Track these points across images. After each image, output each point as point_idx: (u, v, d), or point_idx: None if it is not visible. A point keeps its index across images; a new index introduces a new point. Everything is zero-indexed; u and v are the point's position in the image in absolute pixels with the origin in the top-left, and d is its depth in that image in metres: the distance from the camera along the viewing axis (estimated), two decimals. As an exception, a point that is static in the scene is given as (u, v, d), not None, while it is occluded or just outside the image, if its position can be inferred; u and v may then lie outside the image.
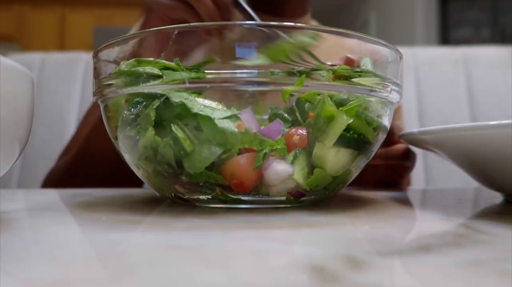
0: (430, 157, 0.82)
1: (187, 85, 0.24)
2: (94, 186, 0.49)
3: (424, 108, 0.86)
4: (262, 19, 0.64)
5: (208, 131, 0.23)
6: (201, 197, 0.26)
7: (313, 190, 0.26)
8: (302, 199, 0.26)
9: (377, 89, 0.26)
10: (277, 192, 0.25)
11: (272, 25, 0.24)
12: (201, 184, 0.25)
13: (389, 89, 0.27)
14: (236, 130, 0.23)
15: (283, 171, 0.24)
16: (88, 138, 0.53)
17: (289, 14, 0.64)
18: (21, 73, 0.21)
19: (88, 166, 0.53)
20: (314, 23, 0.69)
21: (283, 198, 0.25)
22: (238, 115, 0.24)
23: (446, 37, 2.90)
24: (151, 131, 0.24)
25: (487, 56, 0.90)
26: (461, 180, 0.63)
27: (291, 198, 0.26)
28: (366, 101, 0.26)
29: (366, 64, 0.25)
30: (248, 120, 0.24)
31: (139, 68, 0.25)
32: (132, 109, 0.25)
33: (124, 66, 0.25)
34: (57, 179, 0.56)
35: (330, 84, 0.25)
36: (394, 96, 0.28)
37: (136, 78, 0.25)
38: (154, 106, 0.24)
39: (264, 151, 0.24)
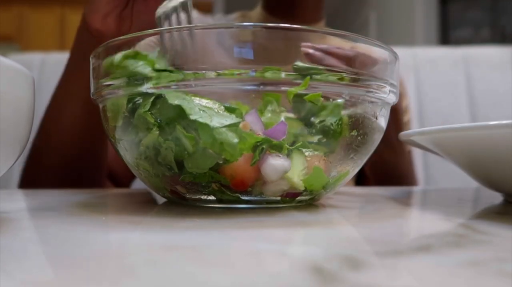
0: (430, 157, 0.82)
1: (192, 85, 0.24)
2: (53, 182, 0.48)
3: (424, 108, 0.86)
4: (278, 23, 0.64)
5: (206, 139, 0.23)
6: (203, 197, 0.26)
7: (309, 190, 0.26)
8: (301, 199, 0.26)
9: (377, 91, 0.26)
10: (272, 192, 0.25)
11: (271, 27, 0.24)
12: (203, 184, 0.25)
13: (387, 90, 0.27)
14: (235, 140, 0.23)
15: (280, 166, 0.24)
16: (40, 129, 0.51)
17: (303, 20, 0.64)
18: (21, 73, 0.21)
19: (43, 161, 0.50)
20: None
21: (278, 198, 0.25)
22: (244, 117, 0.24)
23: (446, 37, 2.90)
24: (155, 131, 0.24)
25: (487, 56, 0.90)
26: (461, 180, 0.63)
27: (286, 199, 0.26)
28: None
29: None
30: (253, 122, 0.24)
31: (131, 61, 0.24)
32: (132, 109, 0.25)
33: (117, 58, 0.25)
34: (20, 179, 0.53)
35: (331, 85, 0.25)
36: (391, 97, 0.28)
37: (134, 78, 0.25)
38: (147, 107, 0.24)
39: (261, 147, 0.24)
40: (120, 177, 0.60)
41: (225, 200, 0.25)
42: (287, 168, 0.24)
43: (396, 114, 0.57)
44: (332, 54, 0.25)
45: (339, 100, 0.26)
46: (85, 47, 0.42)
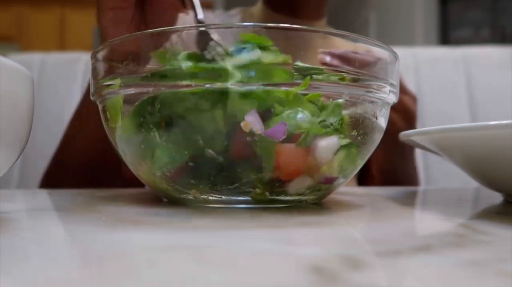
0: (430, 157, 0.82)
1: (192, 84, 0.24)
2: (75, 187, 0.49)
3: (424, 108, 0.85)
4: (278, 21, 0.64)
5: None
6: (211, 197, 0.26)
7: (342, 175, 0.27)
8: (302, 199, 0.26)
9: (377, 91, 0.26)
10: (295, 189, 0.25)
11: (268, 27, 0.24)
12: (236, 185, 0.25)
13: (387, 90, 0.27)
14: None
15: (332, 144, 0.25)
16: (65, 138, 0.54)
17: (305, 17, 0.64)
18: (21, 73, 0.21)
19: (67, 167, 0.53)
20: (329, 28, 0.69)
21: (278, 198, 0.26)
22: (244, 117, 0.24)
23: (446, 37, 2.90)
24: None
25: (487, 56, 0.90)
26: (461, 180, 0.63)
27: (285, 199, 0.26)
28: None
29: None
30: (253, 121, 0.24)
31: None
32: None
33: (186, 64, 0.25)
34: (41, 181, 0.56)
35: (331, 85, 0.25)
36: (391, 97, 0.28)
37: (136, 77, 0.25)
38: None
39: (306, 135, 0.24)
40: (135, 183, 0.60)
41: (225, 200, 0.25)
42: (338, 144, 0.25)
43: (412, 119, 0.57)
44: (349, 60, 0.25)
45: (340, 100, 0.26)
46: None
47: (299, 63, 0.24)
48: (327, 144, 0.25)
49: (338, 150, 0.25)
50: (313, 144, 0.25)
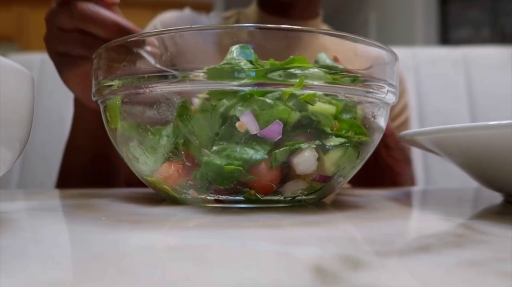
0: (430, 157, 0.82)
1: (188, 85, 0.24)
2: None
3: (424, 108, 0.86)
4: (273, 22, 0.65)
5: None
6: (209, 197, 0.26)
7: (339, 174, 0.27)
8: (301, 198, 0.26)
9: (374, 91, 0.26)
10: (291, 191, 0.25)
11: (269, 27, 0.24)
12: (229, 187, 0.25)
13: (385, 90, 0.27)
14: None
15: (307, 157, 0.24)
16: (65, 154, 0.54)
17: (299, 17, 0.64)
18: (21, 73, 0.21)
19: (72, 171, 0.54)
20: (325, 27, 0.69)
21: (277, 198, 0.26)
22: (239, 117, 0.24)
23: (446, 37, 2.89)
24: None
25: (487, 56, 0.90)
26: (461, 180, 0.63)
27: (285, 199, 0.26)
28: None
29: (323, 59, 0.25)
30: (249, 122, 0.24)
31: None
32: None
33: None
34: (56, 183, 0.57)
35: (328, 86, 0.25)
36: (390, 97, 0.28)
37: (134, 78, 0.25)
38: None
39: (275, 154, 0.24)
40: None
41: (223, 200, 0.25)
42: (316, 155, 0.25)
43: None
44: None
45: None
46: (86, 117, 0.46)
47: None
48: (302, 160, 0.24)
49: (329, 151, 0.25)
50: (290, 159, 0.24)
